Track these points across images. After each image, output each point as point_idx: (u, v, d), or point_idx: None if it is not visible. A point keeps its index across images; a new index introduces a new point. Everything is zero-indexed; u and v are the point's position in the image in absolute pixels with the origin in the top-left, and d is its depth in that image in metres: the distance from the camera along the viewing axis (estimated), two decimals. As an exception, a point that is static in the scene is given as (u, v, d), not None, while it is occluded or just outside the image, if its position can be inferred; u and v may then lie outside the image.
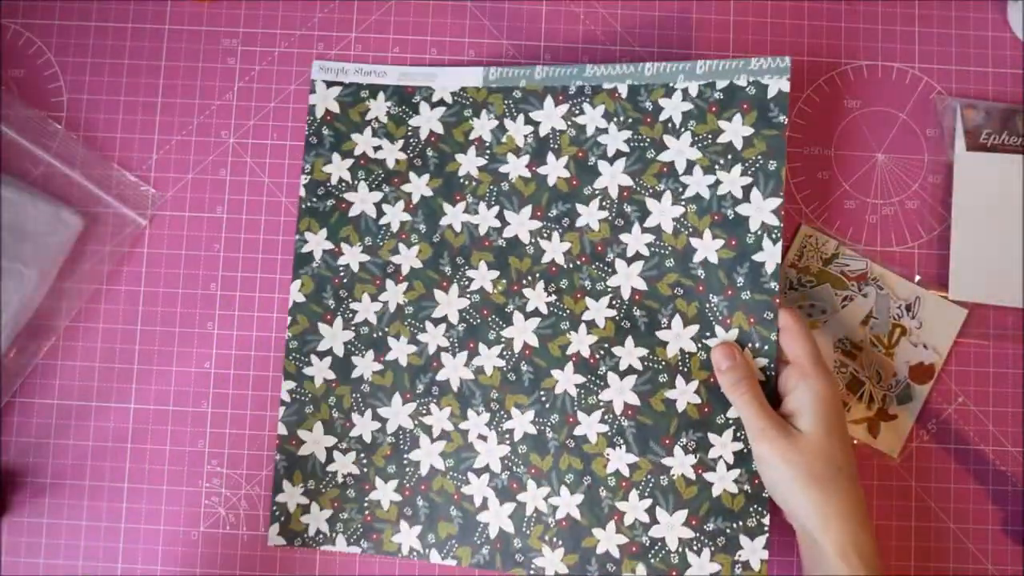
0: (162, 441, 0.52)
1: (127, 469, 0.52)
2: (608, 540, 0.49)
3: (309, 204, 0.53)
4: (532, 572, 0.49)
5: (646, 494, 0.49)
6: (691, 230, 0.49)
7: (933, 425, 0.52)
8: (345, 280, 0.52)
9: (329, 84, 0.53)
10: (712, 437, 0.48)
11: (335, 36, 0.55)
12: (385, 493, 0.50)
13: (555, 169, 0.51)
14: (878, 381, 0.52)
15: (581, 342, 0.50)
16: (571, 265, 0.50)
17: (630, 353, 0.49)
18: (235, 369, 0.52)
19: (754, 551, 0.48)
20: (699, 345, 0.49)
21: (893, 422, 0.52)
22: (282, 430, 0.51)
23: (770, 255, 0.48)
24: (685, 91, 0.50)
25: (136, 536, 0.51)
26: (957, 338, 0.52)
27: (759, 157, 0.49)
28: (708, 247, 0.49)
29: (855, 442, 0.52)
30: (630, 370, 0.49)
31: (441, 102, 0.53)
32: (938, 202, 0.54)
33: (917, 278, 0.53)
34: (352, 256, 0.52)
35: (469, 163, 0.52)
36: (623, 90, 0.51)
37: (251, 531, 0.52)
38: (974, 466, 0.52)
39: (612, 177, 0.51)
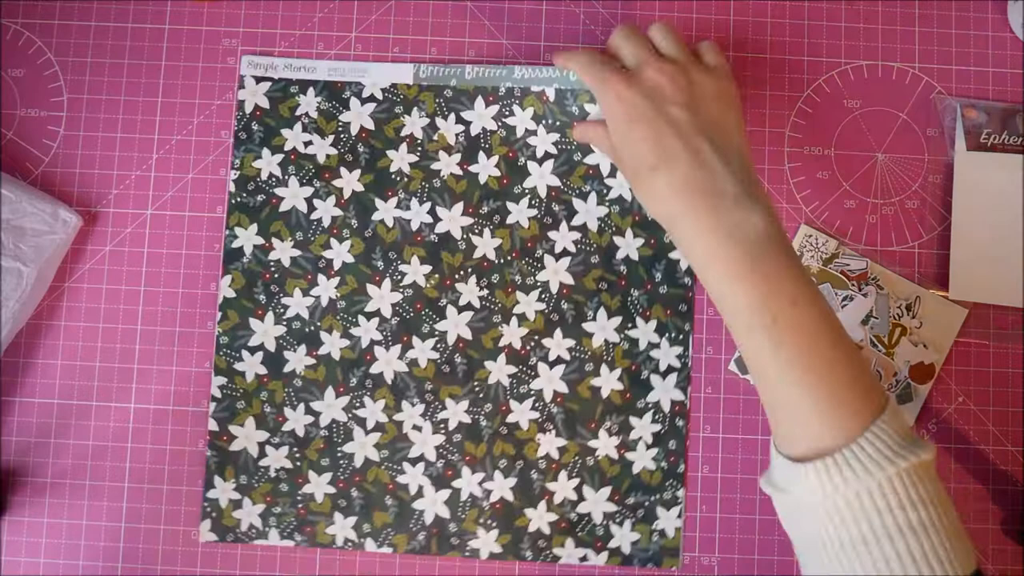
0: (162, 441, 0.52)
1: (127, 469, 0.52)
2: (539, 518, 0.51)
3: (239, 199, 0.53)
4: (467, 553, 0.51)
5: (574, 474, 0.51)
6: (614, 229, 0.53)
7: (933, 425, 0.52)
8: (276, 275, 0.52)
9: (259, 80, 0.54)
10: (633, 420, 0.52)
11: (335, 36, 0.55)
12: (319, 486, 0.51)
13: (486, 168, 0.53)
14: (878, 381, 0.52)
15: (513, 334, 0.52)
16: (502, 260, 0.52)
17: (559, 344, 0.52)
18: (235, 369, 0.52)
19: (670, 520, 0.51)
20: (621, 336, 0.52)
21: (893, 422, 0.52)
22: (213, 426, 0.52)
23: None
24: None
25: (136, 536, 0.51)
26: (957, 338, 0.52)
27: None
28: (630, 245, 0.53)
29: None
30: (559, 360, 0.52)
31: (372, 98, 0.53)
32: (938, 202, 0.54)
33: (917, 278, 0.53)
34: (283, 251, 0.53)
35: (401, 159, 0.53)
36: (551, 93, 0.53)
37: (251, 531, 0.52)
38: (974, 466, 0.52)
39: (541, 177, 0.53)
